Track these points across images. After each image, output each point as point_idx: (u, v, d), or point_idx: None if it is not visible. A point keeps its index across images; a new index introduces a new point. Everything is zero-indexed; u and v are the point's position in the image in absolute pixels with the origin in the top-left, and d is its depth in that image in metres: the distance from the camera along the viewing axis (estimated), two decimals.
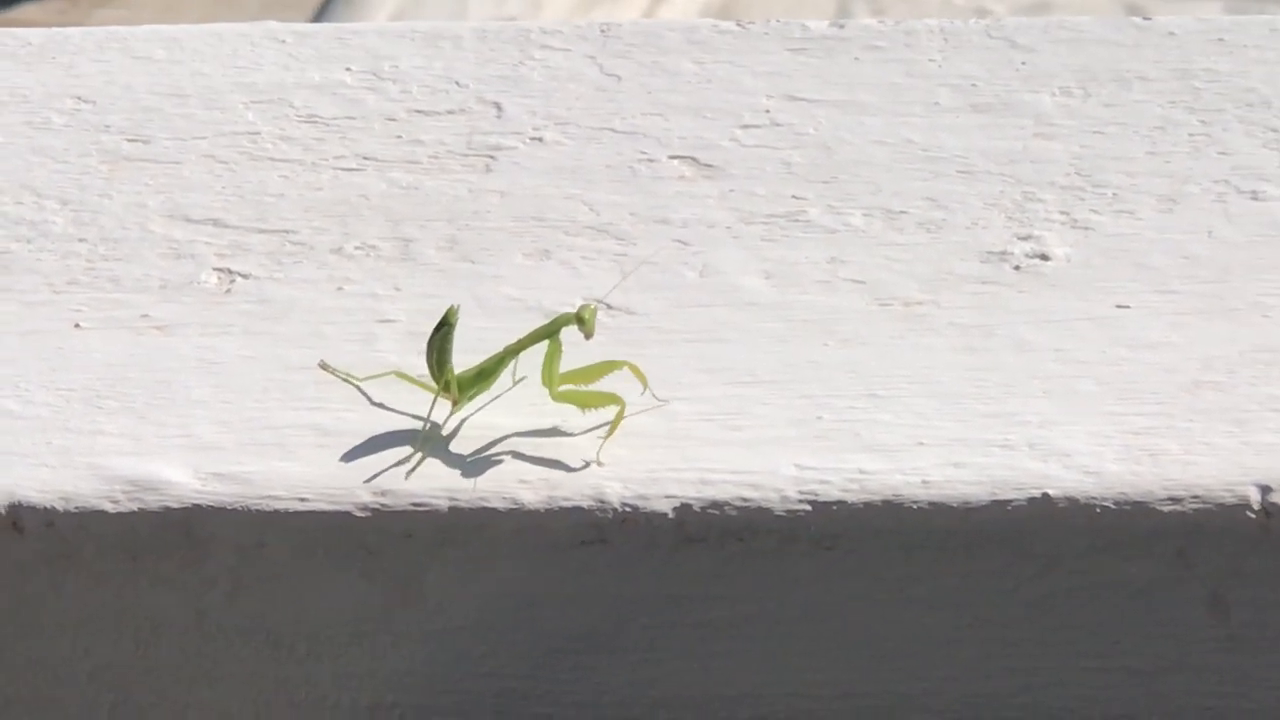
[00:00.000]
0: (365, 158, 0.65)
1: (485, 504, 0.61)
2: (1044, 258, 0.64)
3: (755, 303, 0.65)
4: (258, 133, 0.65)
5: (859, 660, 0.63)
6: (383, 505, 0.60)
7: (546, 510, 0.60)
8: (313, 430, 0.62)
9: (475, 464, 0.61)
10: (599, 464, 0.62)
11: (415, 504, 0.61)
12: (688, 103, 0.67)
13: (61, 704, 0.66)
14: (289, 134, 0.66)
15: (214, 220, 0.64)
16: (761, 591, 0.63)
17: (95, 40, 0.68)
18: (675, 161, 0.66)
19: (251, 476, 0.61)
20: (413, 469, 0.60)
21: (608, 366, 0.65)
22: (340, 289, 0.65)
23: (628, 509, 0.60)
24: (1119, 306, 0.63)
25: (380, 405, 0.63)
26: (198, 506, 0.60)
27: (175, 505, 0.60)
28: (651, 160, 0.67)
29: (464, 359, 0.64)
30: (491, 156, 0.68)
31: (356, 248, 0.65)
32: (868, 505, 0.61)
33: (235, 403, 0.62)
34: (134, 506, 0.61)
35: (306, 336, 0.64)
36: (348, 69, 0.68)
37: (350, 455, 0.60)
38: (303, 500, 0.62)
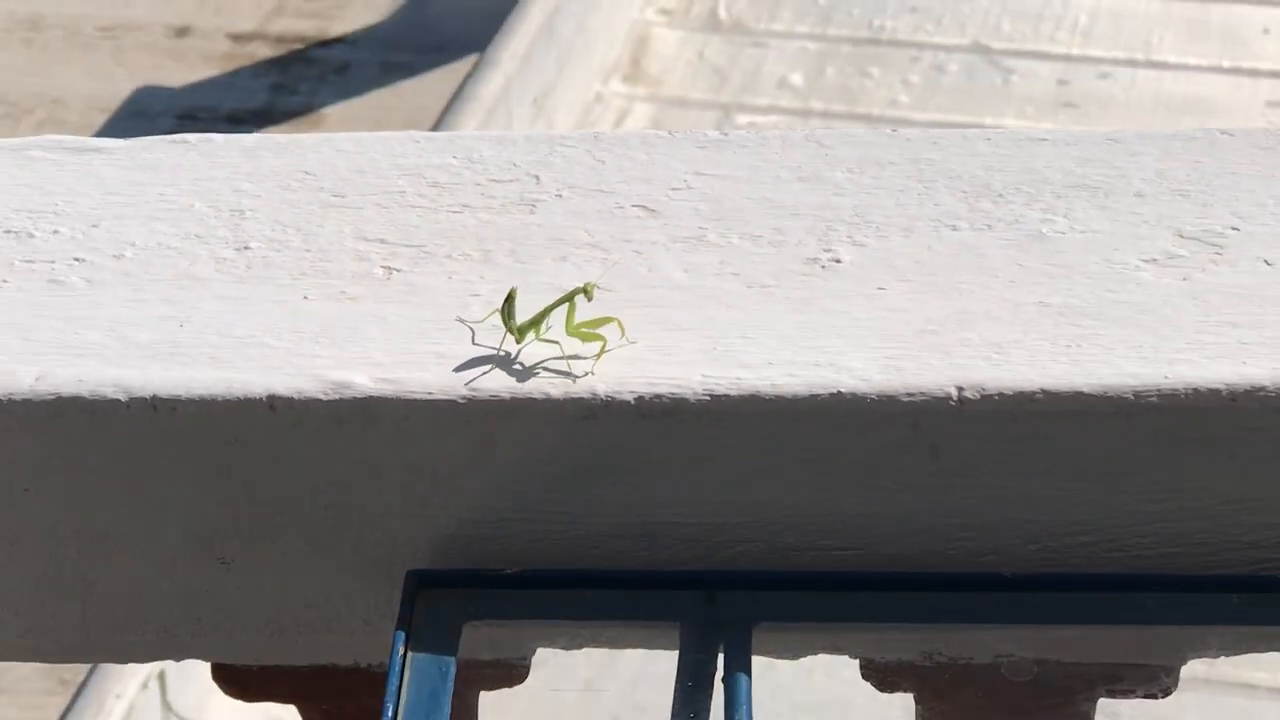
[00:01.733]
0: (464, 205, 1.00)
1: (530, 395, 0.93)
2: (838, 261, 0.96)
3: (679, 286, 0.97)
4: (404, 191, 0.99)
5: (746, 492, 0.96)
6: (473, 396, 0.93)
7: (563, 399, 0.93)
8: (435, 355, 0.94)
9: (525, 373, 0.93)
10: (593, 374, 0.93)
11: (491, 396, 0.92)
12: (642, 175, 1.00)
13: (303, 526, 0.98)
14: (421, 192, 0.99)
15: (380, 239, 0.98)
16: (688, 448, 0.94)
17: (315, 140, 1.06)
18: (634, 209, 0.99)
19: (402, 380, 0.92)
20: (488, 374, 0.94)
21: (602, 320, 0.94)
22: (450, 278, 0.97)
23: (609, 398, 0.92)
24: (879, 289, 0.96)
25: (477, 344, 0.94)
26: (371, 397, 0.92)
27: (359, 396, 0.92)
28: (621, 207, 0.99)
29: (520, 314, 0.94)
30: (533, 205, 1.01)
31: (459, 255, 0.97)
32: (741, 398, 0.92)
33: (393, 340, 0.94)
34: (336, 396, 0.93)
35: (432, 304, 0.95)
36: (453, 156, 1.04)
37: (458, 369, 0.93)
38: (429, 394, 0.98)
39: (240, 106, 5.24)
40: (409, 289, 1.00)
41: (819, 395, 0.94)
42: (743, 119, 5.06)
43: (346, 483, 0.97)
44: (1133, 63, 5.52)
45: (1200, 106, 5.40)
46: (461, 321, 0.97)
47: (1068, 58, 5.46)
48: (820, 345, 0.96)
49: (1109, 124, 5.04)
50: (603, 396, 0.94)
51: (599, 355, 0.94)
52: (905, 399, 0.94)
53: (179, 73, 5.59)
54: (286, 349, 0.97)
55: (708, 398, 0.94)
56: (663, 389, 0.94)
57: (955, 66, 5.19)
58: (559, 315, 0.95)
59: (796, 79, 5.34)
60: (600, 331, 0.95)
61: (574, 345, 0.95)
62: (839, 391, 0.94)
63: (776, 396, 0.94)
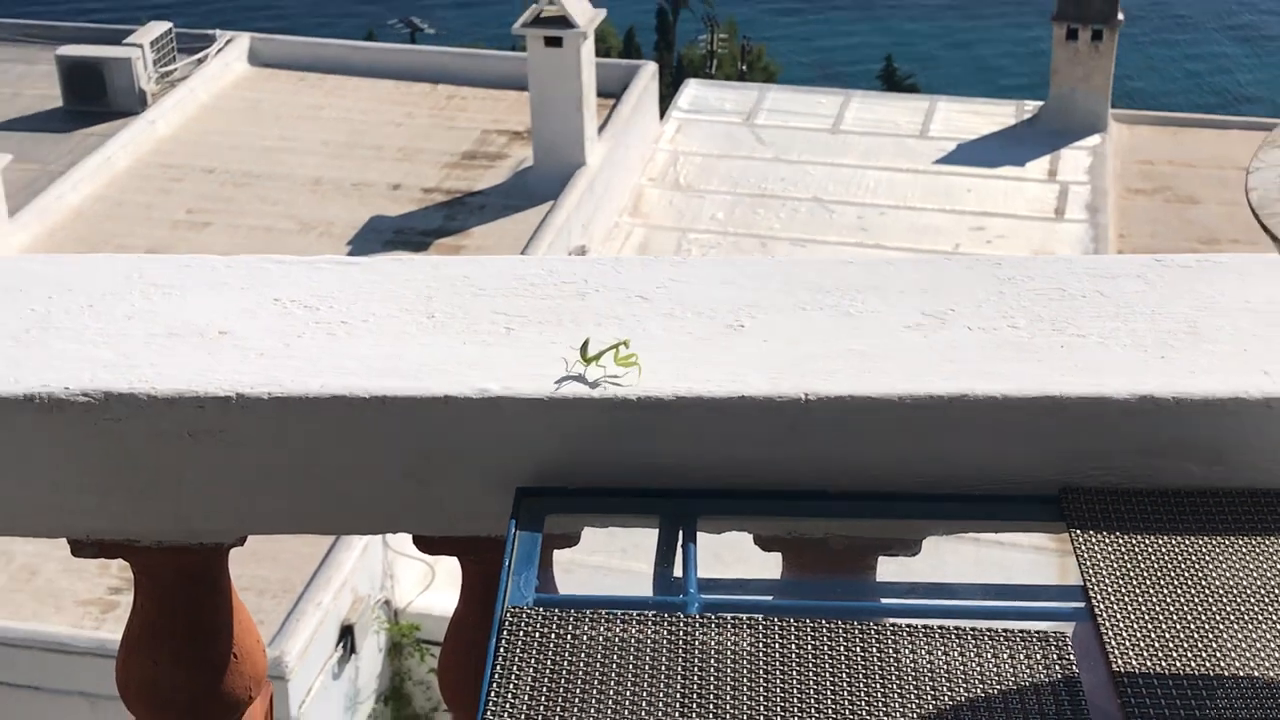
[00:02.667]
0: (546, 295, 1.89)
1: (578, 396, 1.82)
2: (743, 326, 1.88)
3: (659, 338, 1.90)
4: (516, 288, 1.94)
5: (704, 447, 1.89)
6: (551, 396, 1.82)
7: (600, 398, 1.77)
8: (533, 374, 1.83)
9: (594, 384, 1.74)
10: (629, 384, 1.77)
11: (563, 396, 1.80)
12: (639, 279, 1.88)
13: (467, 464, 1.92)
14: (525, 288, 1.90)
15: (504, 313, 1.87)
16: (665, 425, 1.88)
17: (469, 259, 1.95)
18: (636, 298, 1.88)
19: (514, 387, 1.87)
20: (571, 381, 1.78)
21: (630, 356, 1.75)
22: (539, 334, 1.81)
23: (621, 398, 1.81)
24: (764, 341, 1.85)
25: (569, 367, 1.77)
26: (499, 396, 1.86)
27: (492, 396, 1.86)
28: (629, 297, 1.89)
29: (591, 352, 1.78)
30: (583, 295, 1.92)
31: (544, 322, 1.81)
32: (693, 398, 1.86)
33: (510, 366, 1.87)
34: (479, 396, 1.86)
35: (530, 348, 1.85)
36: (541, 268, 1.94)
37: (557, 381, 1.75)
38: (529, 394, 1.83)
39: (426, 228, 17.84)
40: (518, 340, 1.86)
41: (730, 396, 1.80)
42: (691, 236, 18.49)
43: (487, 443, 1.81)
44: (896, 207, 19.03)
45: (933, 231, 18.32)
46: (564, 359, 1.81)
47: (863, 204, 18.43)
48: (735, 370, 1.82)
49: (887, 242, 18.07)
50: (618, 397, 1.79)
51: (630, 371, 1.80)
52: (778, 399, 1.79)
53: (394, 208, 20.25)
54: (454, 371, 1.82)
55: (673, 397, 1.80)
56: (651, 392, 1.80)
57: (804, 209, 15.61)
58: (609, 354, 1.80)
59: (720, 215, 18.87)
60: (630, 361, 1.80)
61: (616, 369, 1.80)
62: (743, 395, 1.80)
63: (711, 397, 1.80)
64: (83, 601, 13.06)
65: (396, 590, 13.81)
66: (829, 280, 1.92)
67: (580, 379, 1.77)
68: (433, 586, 13.75)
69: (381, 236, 18.39)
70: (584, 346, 1.80)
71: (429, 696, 13.84)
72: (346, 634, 13.09)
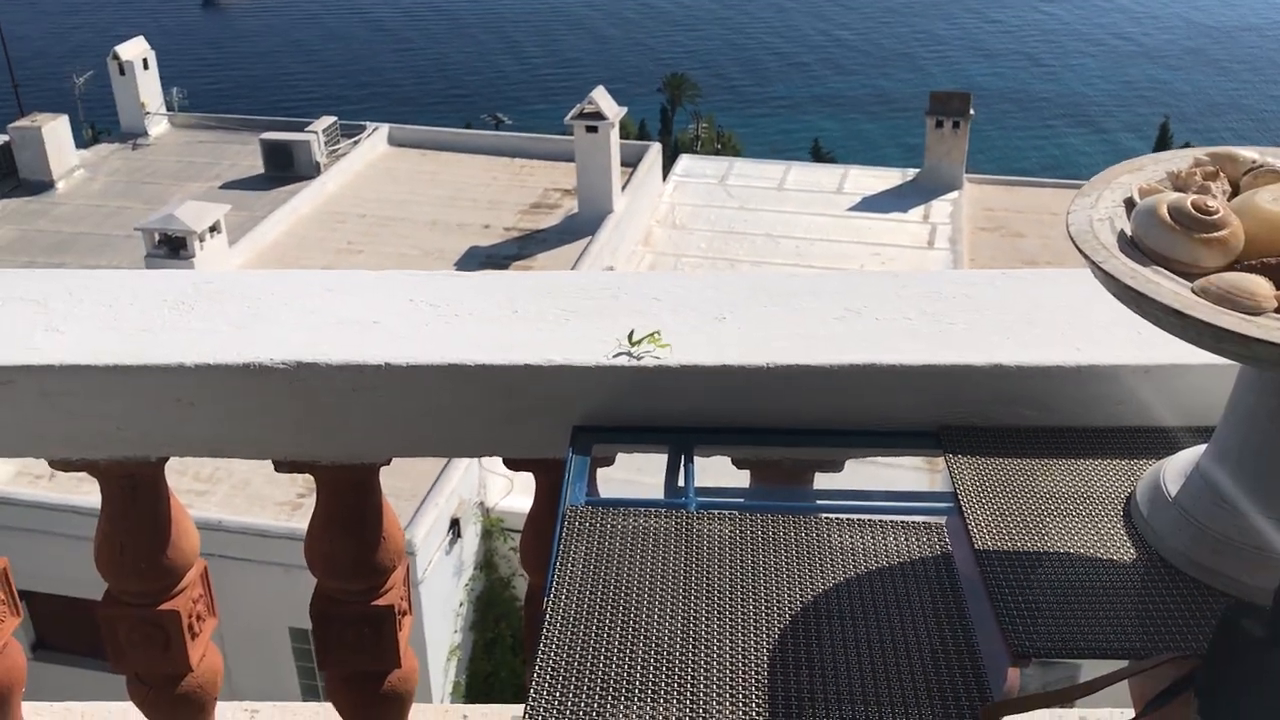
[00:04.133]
0: (592, 297, 1.89)
1: (633, 365, 1.84)
2: (725, 319, 1.88)
3: (671, 326, 1.88)
4: (569, 293, 1.92)
5: (711, 394, 1.87)
6: (601, 364, 1.83)
7: (633, 366, 1.83)
8: (585, 349, 1.85)
9: (636, 356, 1.78)
10: (659, 358, 1.79)
11: (608, 364, 1.84)
12: (656, 287, 1.91)
13: (532, 409, 1.91)
14: (575, 293, 1.92)
15: (564, 309, 1.88)
16: (692, 388, 1.87)
17: (540, 274, 1.95)
18: (652, 300, 1.90)
19: (572, 358, 1.85)
20: (620, 355, 1.80)
21: (658, 338, 1.79)
22: (588, 322, 1.86)
23: (650, 366, 1.83)
24: (739, 328, 1.88)
25: (619, 345, 1.84)
26: (560, 365, 1.84)
27: (556, 365, 1.83)
28: (645, 300, 1.92)
29: (636, 336, 1.81)
30: (617, 296, 1.90)
31: (591, 314, 1.83)
32: (699, 366, 1.86)
33: (569, 343, 1.83)
34: (546, 364, 1.85)
35: (582, 332, 1.87)
36: (589, 281, 1.93)
37: (611, 355, 1.80)
38: (584, 363, 1.85)
39: (506, 254, 17.19)
40: (574, 326, 1.84)
41: (718, 365, 1.78)
42: (684, 260, 11.47)
43: (553, 396, 1.79)
44: (822, 239, 18.27)
45: (846, 257, 17.00)
46: (615, 339, 1.79)
47: (799, 238, 18.33)
48: (720, 347, 1.80)
49: (816, 264, 15.58)
50: (642, 365, 1.78)
51: (664, 350, 1.78)
52: (749, 366, 1.76)
53: (485, 241, 16.70)
54: (531, 348, 1.79)
55: (679, 366, 1.78)
56: (664, 362, 1.78)
57: (759, 241, 16.98)
58: (647, 338, 1.79)
59: (703, 245, 17.53)
60: (663, 343, 1.78)
61: (649, 348, 1.78)
62: (725, 364, 1.78)
63: (704, 365, 1.77)
64: (279, 503, 13.09)
65: (488, 495, 13.88)
66: (780, 288, 1.90)
67: (628, 354, 1.74)
68: (512, 493, 13.79)
69: (477, 259, 18.75)
70: (630, 334, 1.78)
71: (511, 568, 13.90)
72: (454, 525, 13.15)
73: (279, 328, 1.84)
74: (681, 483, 1.69)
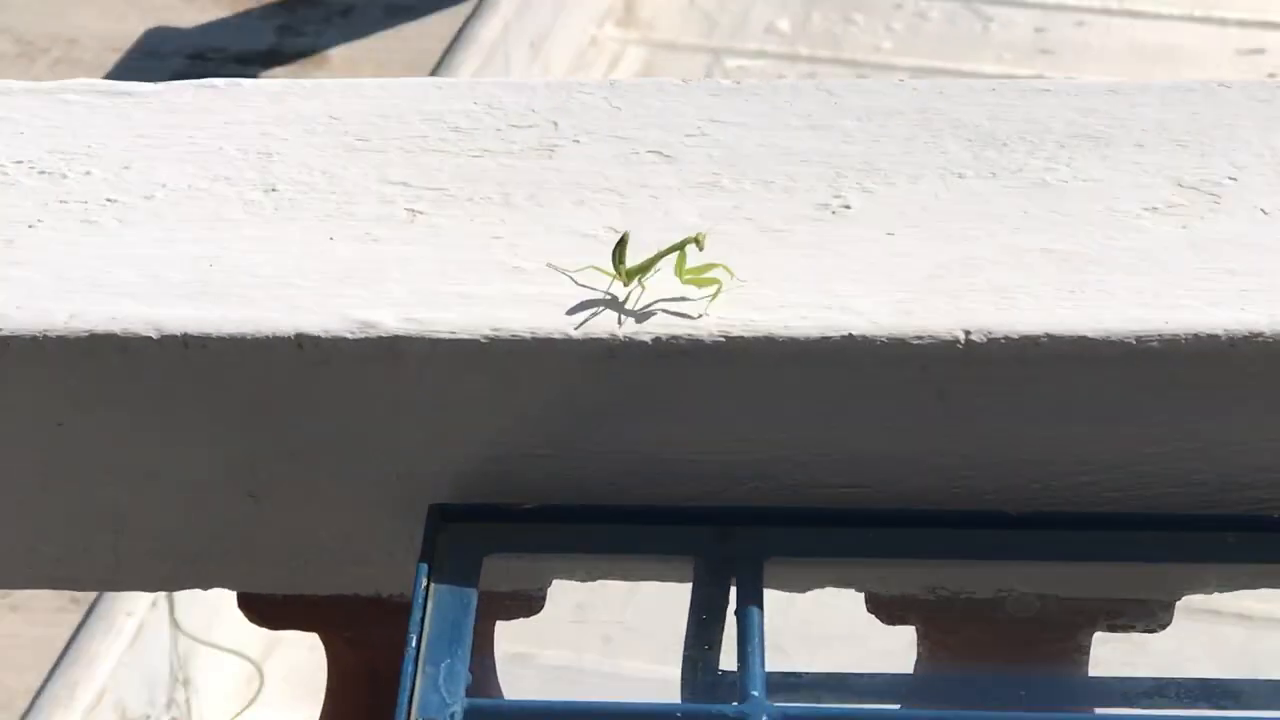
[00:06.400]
0: (484, 150, 0.69)
1: (551, 336, 0.64)
2: (848, 207, 0.67)
3: (694, 230, 0.65)
4: (426, 136, 0.68)
5: (758, 431, 0.66)
6: (495, 336, 0.63)
7: (584, 339, 0.63)
8: (459, 295, 0.64)
9: (642, 315, 0.64)
10: (707, 315, 0.64)
11: (513, 335, 0.63)
12: (657, 122, 0.70)
13: (329, 461, 0.68)
14: (443, 136, 0.69)
15: (404, 183, 0.67)
16: (703, 388, 0.65)
17: (340, 85, 0.72)
18: (650, 154, 0.69)
19: (425, 320, 0.63)
20: (599, 315, 0.64)
21: (709, 266, 0.65)
22: (471, 220, 0.68)
23: (628, 339, 0.63)
24: (888, 234, 0.66)
25: (582, 285, 0.65)
26: (396, 336, 0.63)
27: (384, 335, 0.63)
28: (636, 153, 0.69)
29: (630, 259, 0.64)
30: (551, 150, 0.70)
31: (480, 198, 0.68)
32: (755, 339, 0.63)
33: (417, 280, 0.65)
34: (361, 335, 0.63)
35: (454, 245, 0.66)
36: (474, 102, 0.70)
37: (569, 311, 0.64)
38: (453, 334, 0.64)
39: (248, 48, 3.67)
40: (432, 231, 0.68)
41: (830, 338, 0.64)
42: (731, 63, 3.33)
43: (371, 419, 0.66)
44: (1108, 11, 3.55)
45: (1172, 55, 3.53)
46: (552, 267, 0.66)
47: (1044, 6, 3.56)
48: (831, 289, 0.65)
49: (1084, 71, 3.45)
50: (622, 337, 0.64)
51: (714, 297, 0.64)
52: (914, 342, 0.64)
53: (188, 14, 4.35)
54: (314, 289, 0.66)
55: (723, 339, 0.64)
56: (679, 330, 0.64)
57: (936, 14, 3.45)
58: (668, 261, 0.65)
59: (784, 25, 3.45)
60: (712, 275, 0.65)
61: (685, 289, 0.65)
62: (850, 334, 0.64)
63: (789, 339, 0.64)
64: None
65: (195, 703, 2.14)
66: (1006, 122, 0.74)
67: (625, 305, 0.66)
68: (260, 699, 2.12)
69: (167, 63, 4.33)
70: (619, 246, 0.64)
71: None
72: None
73: None
74: (728, 659, 0.64)
